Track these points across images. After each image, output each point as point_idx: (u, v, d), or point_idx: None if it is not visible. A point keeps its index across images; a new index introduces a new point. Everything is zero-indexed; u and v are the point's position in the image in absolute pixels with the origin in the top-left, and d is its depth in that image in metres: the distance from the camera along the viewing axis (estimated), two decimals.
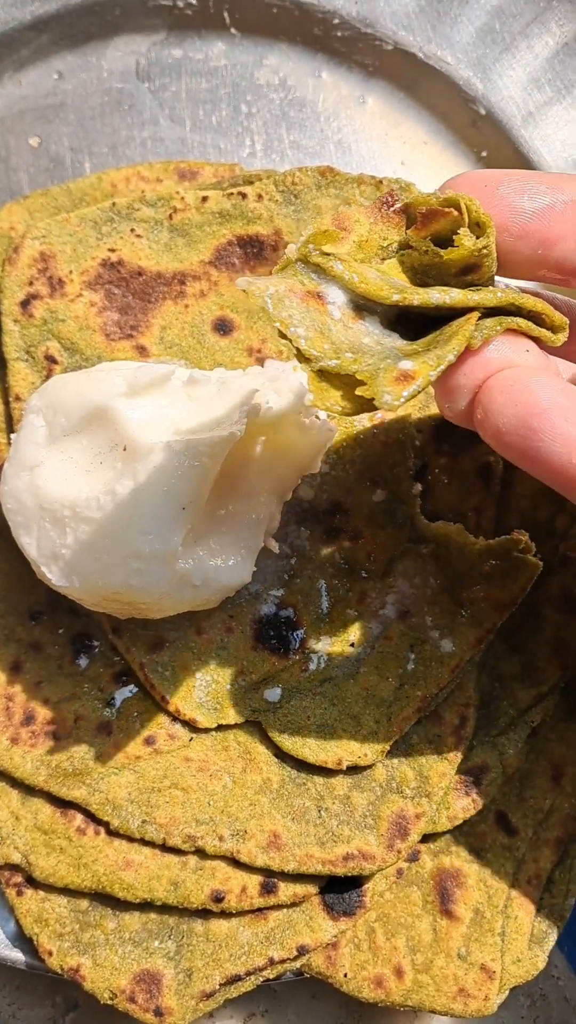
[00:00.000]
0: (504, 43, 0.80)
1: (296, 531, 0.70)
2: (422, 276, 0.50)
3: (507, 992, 0.67)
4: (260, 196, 0.71)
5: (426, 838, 0.68)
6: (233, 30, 0.81)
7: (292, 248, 0.47)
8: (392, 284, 0.47)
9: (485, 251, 0.47)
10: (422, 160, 0.80)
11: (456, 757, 0.67)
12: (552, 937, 0.68)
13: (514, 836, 0.69)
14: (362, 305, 0.48)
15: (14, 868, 0.66)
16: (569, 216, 0.49)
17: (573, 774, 0.70)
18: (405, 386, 0.43)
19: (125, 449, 0.61)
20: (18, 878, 0.66)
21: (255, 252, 0.71)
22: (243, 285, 0.45)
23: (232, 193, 0.71)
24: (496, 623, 0.66)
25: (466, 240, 0.47)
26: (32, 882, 0.66)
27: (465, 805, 0.67)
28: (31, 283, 0.70)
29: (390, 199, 0.49)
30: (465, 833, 0.69)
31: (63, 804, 0.67)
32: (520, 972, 0.67)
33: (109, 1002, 0.64)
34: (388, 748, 0.66)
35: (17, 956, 0.67)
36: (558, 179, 0.50)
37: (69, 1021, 0.71)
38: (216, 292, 0.71)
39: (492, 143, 0.80)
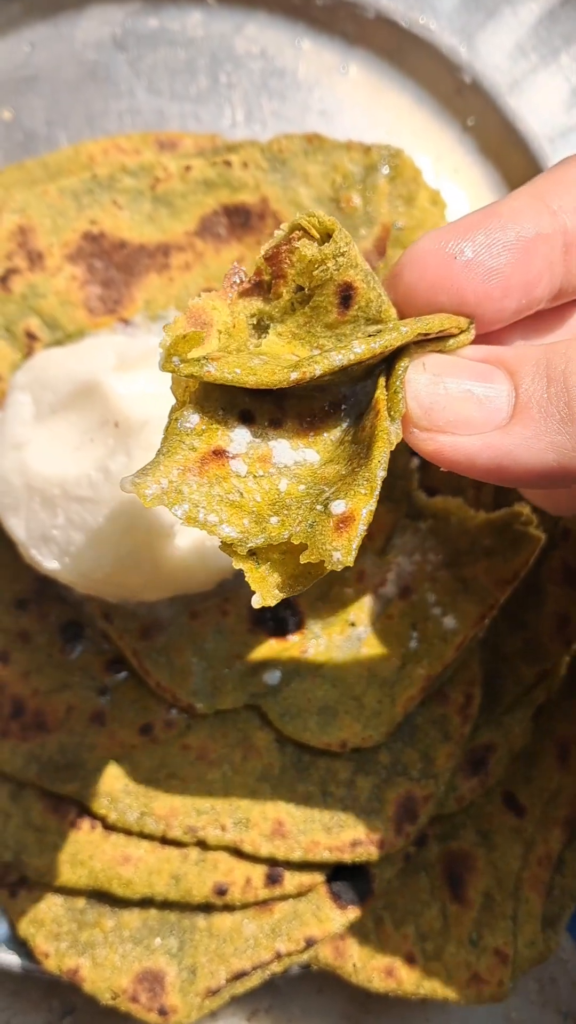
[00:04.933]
0: (488, 10, 0.78)
1: None
2: (308, 335, 0.43)
3: (518, 977, 0.65)
4: (246, 164, 0.69)
5: (432, 822, 0.66)
6: None
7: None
8: (282, 362, 0.41)
9: (342, 259, 0.41)
10: (407, 129, 0.78)
11: (462, 737, 0.65)
12: (565, 918, 0.66)
13: (522, 817, 0.67)
14: (265, 430, 0.42)
15: (6, 867, 0.64)
16: (540, 252, 0.45)
17: None
18: (349, 534, 0.38)
19: (117, 425, 0.58)
20: (11, 878, 0.64)
21: (241, 221, 0.69)
22: (128, 488, 0.39)
23: (216, 162, 0.69)
24: (499, 598, 0.65)
25: (306, 250, 0.41)
26: (25, 882, 0.64)
27: (472, 786, 0.66)
28: (10, 257, 0.67)
29: (232, 274, 0.43)
30: (472, 816, 0.67)
31: (56, 799, 0.64)
32: (534, 955, 0.65)
33: (111, 1003, 0.61)
34: (392, 729, 0.64)
35: (12, 959, 0.64)
36: (511, 214, 0.45)
37: None
38: (202, 264, 0.68)
39: (478, 111, 0.78)
